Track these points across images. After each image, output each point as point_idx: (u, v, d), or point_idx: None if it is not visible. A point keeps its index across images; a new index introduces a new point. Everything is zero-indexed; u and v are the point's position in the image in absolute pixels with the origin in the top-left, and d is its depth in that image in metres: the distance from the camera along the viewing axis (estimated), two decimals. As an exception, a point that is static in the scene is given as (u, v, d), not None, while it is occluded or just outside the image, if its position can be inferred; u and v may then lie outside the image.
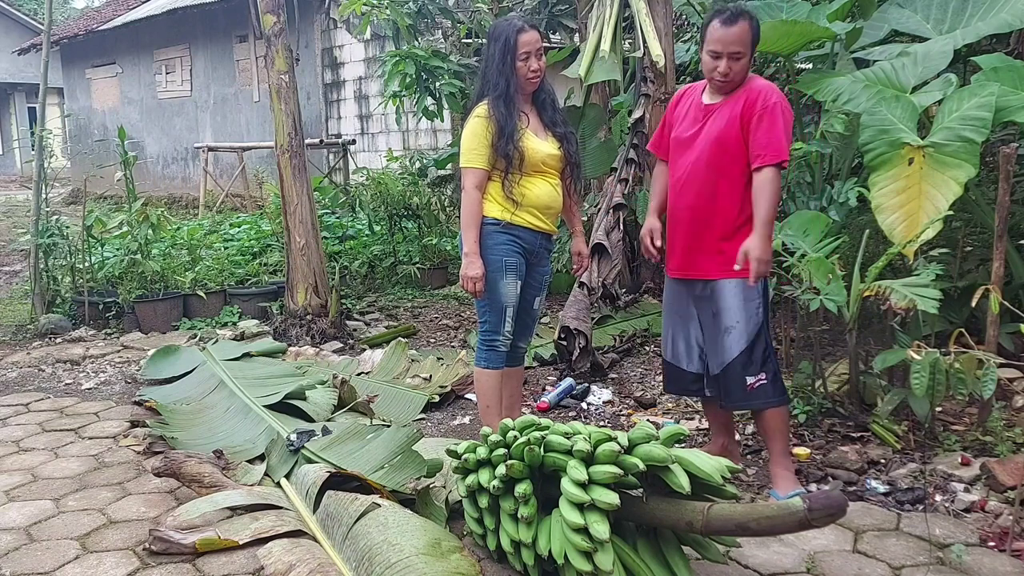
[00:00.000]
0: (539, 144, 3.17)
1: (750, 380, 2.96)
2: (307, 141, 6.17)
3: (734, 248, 2.90)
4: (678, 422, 3.82)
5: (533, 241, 3.24)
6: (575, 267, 3.55)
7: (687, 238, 3.06)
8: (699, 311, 3.09)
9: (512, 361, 3.41)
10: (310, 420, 3.76)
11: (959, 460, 3.15)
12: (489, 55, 3.18)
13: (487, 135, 3.10)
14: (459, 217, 7.88)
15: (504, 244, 3.17)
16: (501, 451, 2.47)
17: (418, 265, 7.27)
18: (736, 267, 2.86)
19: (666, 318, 3.25)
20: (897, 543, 2.70)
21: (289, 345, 5.25)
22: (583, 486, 2.27)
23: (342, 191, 8.77)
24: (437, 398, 4.23)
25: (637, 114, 5.20)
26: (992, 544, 2.67)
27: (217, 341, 5.29)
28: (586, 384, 4.33)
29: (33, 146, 6.26)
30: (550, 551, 2.33)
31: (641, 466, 2.24)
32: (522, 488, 2.39)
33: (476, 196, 3.15)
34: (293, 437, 3.37)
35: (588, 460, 2.32)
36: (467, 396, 4.33)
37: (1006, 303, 3.07)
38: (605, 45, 5.31)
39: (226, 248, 7.18)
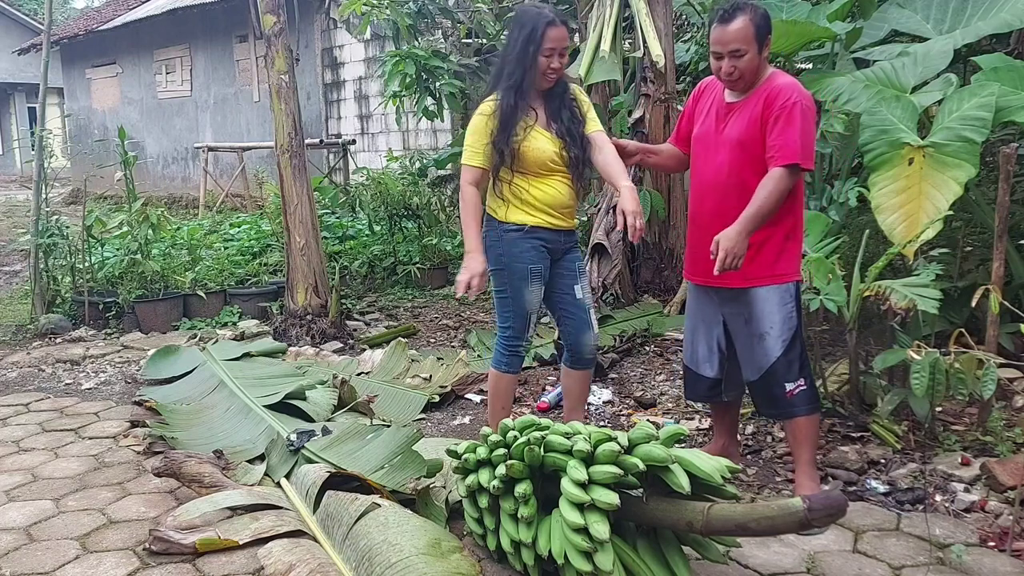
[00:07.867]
0: (545, 144, 3.03)
1: (789, 387, 2.88)
2: (307, 141, 6.17)
3: (763, 256, 2.81)
4: (678, 422, 3.82)
5: (556, 240, 3.14)
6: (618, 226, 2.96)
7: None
8: (727, 316, 2.99)
9: (578, 363, 3.26)
10: (310, 420, 3.76)
11: (959, 460, 3.15)
12: (512, 40, 3.02)
13: (487, 132, 3.03)
14: (459, 217, 7.96)
15: (529, 251, 3.07)
16: (501, 451, 2.48)
17: (418, 265, 7.27)
18: (712, 256, 2.69)
19: (688, 321, 3.17)
20: (897, 543, 2.70)
21: (289, 345, 5.25)
22: (583, 486, 2.27)
23: (342, 191, 8.76)
24: (437, 398, 4.22)
25: (637, 114, 5.20)
26: (992, 544, 2.67)
27: (217, 341, 5.29)
28: (586, 384, 4.32)
29: (33, 146, 6.26)
30: (550, 551, 2.33)
31: (641, 466, 2.24)
32: (522, 488, 2.39)
33: (470, 192, 3.07)
34: (293, 437, 3.37)
35: (588, 460, 2.32)
36: (467, 396, 4.33)
37: (1006, 303, 3.07)
38: (605, 45, 5.32)
39: (226, 248, 7.18)
